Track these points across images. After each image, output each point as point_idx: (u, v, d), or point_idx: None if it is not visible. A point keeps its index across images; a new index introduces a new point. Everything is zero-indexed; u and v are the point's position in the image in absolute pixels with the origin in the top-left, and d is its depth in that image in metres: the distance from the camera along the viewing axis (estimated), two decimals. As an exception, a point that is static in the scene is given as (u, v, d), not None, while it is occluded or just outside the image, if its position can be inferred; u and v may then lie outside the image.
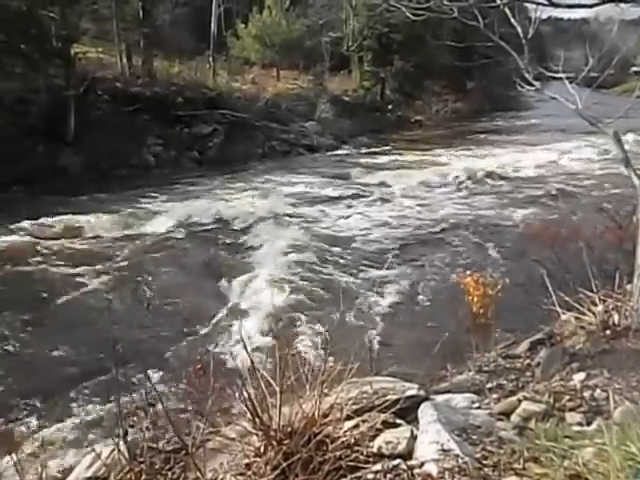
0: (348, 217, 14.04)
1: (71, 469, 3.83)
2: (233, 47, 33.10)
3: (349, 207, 15.11)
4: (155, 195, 16.13)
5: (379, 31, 31.83)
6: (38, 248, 11.26)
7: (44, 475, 3.49)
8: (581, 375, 3.74)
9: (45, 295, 9.38)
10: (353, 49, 34.12)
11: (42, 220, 13.02)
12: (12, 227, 12.49)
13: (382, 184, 17.51)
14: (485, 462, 2.60)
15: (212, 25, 28.36)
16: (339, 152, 24.97)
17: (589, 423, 3.05)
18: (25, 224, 12.67)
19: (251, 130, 23.34)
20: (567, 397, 3.41)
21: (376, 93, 33.86)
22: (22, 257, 10.88)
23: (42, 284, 9.85)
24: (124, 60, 23.83)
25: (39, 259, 10.82)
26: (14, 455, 3.19)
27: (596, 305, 4.83)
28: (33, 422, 5.87)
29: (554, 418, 3.05)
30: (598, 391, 3.44)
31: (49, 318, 8.44)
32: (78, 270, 10.35)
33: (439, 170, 19.44)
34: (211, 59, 27.25)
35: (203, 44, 28.36)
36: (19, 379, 6.74)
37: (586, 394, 3.43)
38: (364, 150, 25.27)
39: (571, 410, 3.24)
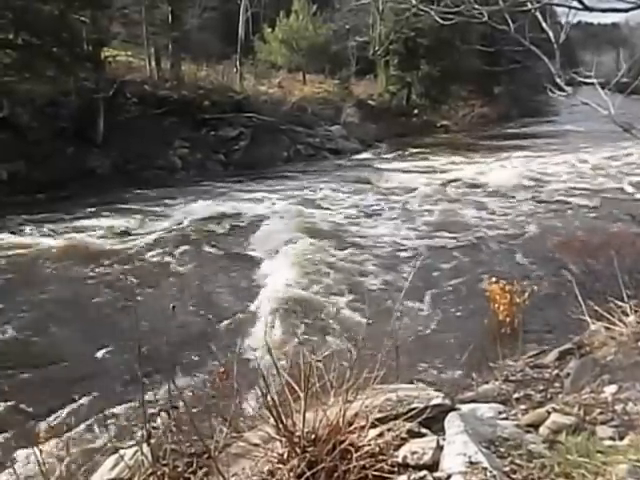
0: (373, 222, 13.97)
1: (94, 469, 3.83)
2: (260, 51, 33.33)
3: (373, 212, 15.05)
4: (181, 196, 16.25)
5: (406, 35, 31.73)
6: (69, 249, 11.39)
7: (67, 475, 3.49)
8: (612, 387, 3.62)
9: (74, 294, 9.49)
10: (379, 53, 34.04)
11: (73, 220, 13.24)
12: (44, 229, 12.72)
13: (408, 189, 17.42)
14: (514, 476, 2.51)
15: (240, 29, 28.57)
16: (364, 156, 24.97)
17: (621, 438, 2.95)
18: (56, 225, 12.90)
19: (277, 133, 23.45)
20: (598, 410, 3.30)
21: (402, 97, 33.75)
22: (56, 257, 11.02)
23: (71, 283, 9.96)
24: (153, 64, 24.16)
25: (70, 260, 10.95)
26: (37, 454, 3.17)
27: (627, 315, 4.70)
28: (57, 421, 5.91)
29: (585, 432, 2.95)
30: (630, 404, 3.33)
31: (76, 316, 8.53)
32: (106, 270, 10.46)
33: (465, 175, 19.32)
34: (238, 63, 27.50)
35: (230, 48, 28.63)
36: (43, 377, 6.81)
37: (618, 407, 3.32)
38: (389, 155, 25.23)
39: (602, 424, 3.13)
